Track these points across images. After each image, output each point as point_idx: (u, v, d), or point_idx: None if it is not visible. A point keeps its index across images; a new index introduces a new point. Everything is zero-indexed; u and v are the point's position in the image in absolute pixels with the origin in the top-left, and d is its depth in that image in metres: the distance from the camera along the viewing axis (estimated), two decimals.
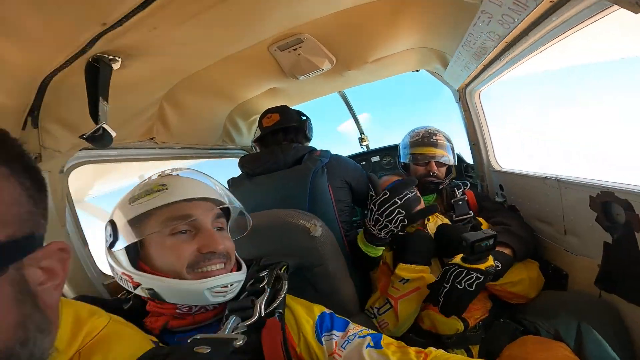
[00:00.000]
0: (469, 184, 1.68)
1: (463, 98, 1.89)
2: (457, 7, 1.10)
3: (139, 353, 0.56)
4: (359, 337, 0.76)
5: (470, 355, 1.23)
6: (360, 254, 1.32)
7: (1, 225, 0.34)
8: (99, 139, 0.86)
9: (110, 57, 0.88)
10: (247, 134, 2.12)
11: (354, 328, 0.80)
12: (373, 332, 0.79)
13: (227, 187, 1.38)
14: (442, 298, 1.10)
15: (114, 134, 0.88)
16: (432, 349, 0.73)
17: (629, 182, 0.94)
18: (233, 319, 0.70)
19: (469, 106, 1.90)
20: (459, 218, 1.49)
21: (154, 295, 0.73)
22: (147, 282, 0.72)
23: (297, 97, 1.96)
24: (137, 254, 0.75)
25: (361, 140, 2.77)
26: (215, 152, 1.94)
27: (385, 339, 0.76)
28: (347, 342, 0.75)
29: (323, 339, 0.76)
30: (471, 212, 1.51)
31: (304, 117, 1.61)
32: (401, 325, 1.23)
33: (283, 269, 0.91)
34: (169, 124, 1.44)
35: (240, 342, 0.62)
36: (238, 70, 1.43)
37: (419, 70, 1.91)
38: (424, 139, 1.65)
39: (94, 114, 0.85)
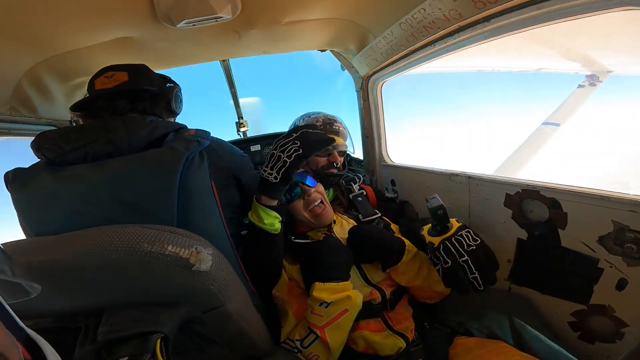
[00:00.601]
0: (362, 178, 1.54)
1: (365, 87, 1.77)
2: None
3: None
4: None
5: None
6: (256, 254, 1.06)
7: None
8: None
9: None
10: (64, 102, 1.30)
11: None
12: None
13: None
14: (456, 279, 0.96)
15: None
16: None
17: (554, 181, 0.98)
18: None
19: (369, 96, 1.79)
20: (368, 219, 1.32)
21: None
22: None
23: (166, 58, 1.32)
24: None
25: (239, 125, 2.30)
26: None
27: None
28: None
29: None
30: (376, 210, 1.38)
31: (171, 84, 1.08)
32: (334, 353, 1.01)
33: (157, 345, 0.60)
34: None
35: None
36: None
37: (324, 50, 1.64)
38: (326, 127, 1.43)
39: None
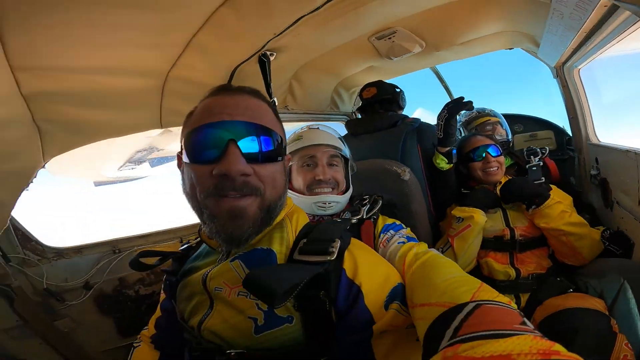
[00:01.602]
0: (544, 152, 1.84)
1: (561, 74, 1.92)
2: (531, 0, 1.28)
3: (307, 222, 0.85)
4: (400, 237, 0.98)
5: (518, 301, 1.44)
6: (438, 184, 1.67)
7: (282, 133, 0.75)
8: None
9: (270, 53, 1.45)
10: (349, 102, 2.59)
11: (404, 232, 1.03)
12: (415, 238, 1.00)
13: None
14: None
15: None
16: (430, 253, 0.85)
17: None
18: (348, 214, 1.11)
19: (568, 82, 1.92)
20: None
21: None
22: (290, 195, 1.05)
23: (391, 72, 2.31)
24: (289, 178, 1.09)
25: None
26: (324, 117, 2.48)
27: (415, 243, 0.94)
28: (391, 238, 0.99)
29: (381, 235, 1.04)
30: (543, 178, 1.64)
31: (398, 90, 1.92)
32: (461, 263, 1.43)
33: (379, 197, 1.21)
34: (295, 95, 2.02)
35: (354, 220, 1.04)
36: (345, 55, 1.89)
37: (512, 49, 2.00)
38: (480, 112, 1.97)
39: (268, 91, 1.44)
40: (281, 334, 0.67)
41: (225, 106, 0.69)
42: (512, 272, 1.45)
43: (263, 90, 1.43)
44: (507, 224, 1.53)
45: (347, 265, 0.70)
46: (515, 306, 0.55)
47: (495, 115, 1.98)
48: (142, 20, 0.93)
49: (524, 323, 0.46)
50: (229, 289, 0.72)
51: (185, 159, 0.69)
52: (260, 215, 0.69)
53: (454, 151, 1.60)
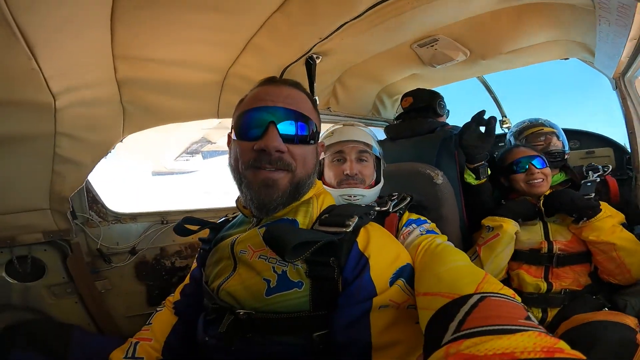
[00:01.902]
0: (605, 170, 1.74)
1: (620, 85, 1.80)
2: (577, 9, 1.27)
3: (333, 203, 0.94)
4: (421, 230, 1.00)
5: (544, 315, 1.38)
6: (469, 199, 1.64)
7: (318, 122, 0.88)
8: None
9: (316, 56, 1.60)
10: (391, 109, 2.66)
11: (427, 226, 1.03)
12: (436, 231, 1.01)
13: None
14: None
15: None
16: (437, 240, 0.89)
17: None
18: (374, 204, 1.16)
19: (627, 94, 1.80)
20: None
21: None
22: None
23: (436, 81, 2.33)
24: (321, 172, 1.28)
25: (502, 122, 2.83)
26: (366, 122, 2.57)
27: (439, 236, 0.95)
28: (412, 231, 1.01)
29: (404, 228, 1.06)
30: (593, 194, 1.52)
31: (436, 95, 1.94)
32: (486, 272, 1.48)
33: (408, 196, 1.23)
34: (338, 98, 2.15)
35: (377, 208, 1.07)
36: (387, 62, 1.98)
37: (567, 59, 1.93)
38: (532, 122, 1.89)
39: (311, 91, 1.59)
40: (289, 297, 0.74)
41: (269, 94, 0.83)
42: (544, 286, 1.41)
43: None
44: (547, 237, 1.47)
45: (361, 239, 0.76)
46: (519, 299, 0.56)
47: (550, 125, 1.88)
48: (210, 21, 1.11)
49: (528, 318, 0.47)
50: (252, 251, 0.82)
51: (233, 136, 0.84)
52: (289, 188, 0.80)
53: (485, 165, 1.57)
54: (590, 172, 1.72)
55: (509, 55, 1.86)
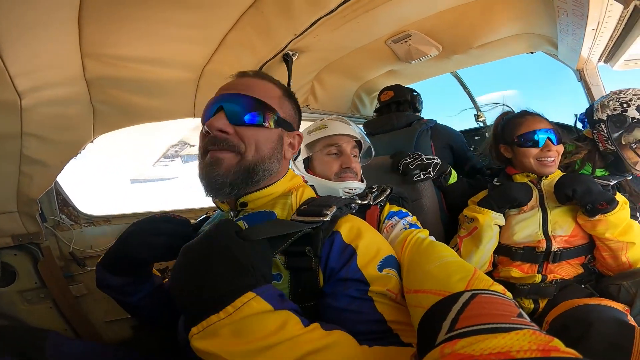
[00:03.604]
0: None
1: (584, 76, 1.90)
2: (539, 0, 1.33)
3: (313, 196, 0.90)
4: (404, 223, 0.99)
5: (537, 306, 1.28)
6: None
7: (288, 117, 0.87)
8: None
9: (292, 53, 1.61)
10: (369, 106, 2.70)
11: (409, 219, 1.03)
12: (419, 225, 1.00)
13: None
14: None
15: None
16: (426, 236, 0.88)
17: None
18: (356, 197, 1.14)
19: (591, 85, 1.90)
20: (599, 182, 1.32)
21: (314, 189, 1.06)
22: (311, 180, 1.21)
23: (411, 77, 2.39)
24: (308, 164, 1.29)
25: (477, 117, 2.93)
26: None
27: (422, 231, 0.94)
28: (395, 224, 1.00)
29: (386, 221, 1.05)
30: (612, 181, 1.34)
31: (415, 93, 2.03)
32: None
33: (387, 187, 1.22)
34: (317, 96, 2.17)
35: (359, 202, 1.05)
36: (364, 58, 2.01)
37: (534, 52, 2.01)
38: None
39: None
40: None
41: (231, 85, 0.84)
42: (538, 278, 1.28)
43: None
44: (545, 231, 1.29)
45: (344, 230, 0.75)
46: (510, 295, 0.56)
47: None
48: (183, 17, 1.10)
49: (520, 315, 0.48)
50: None
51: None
52: (237, 169, 0.77)
53: (428, 177, 1.54)
54: None
55: (479, 50, 1.93)
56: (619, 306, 1.04)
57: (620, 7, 1.11)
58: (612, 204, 1.17)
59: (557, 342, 0.40)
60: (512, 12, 1.59)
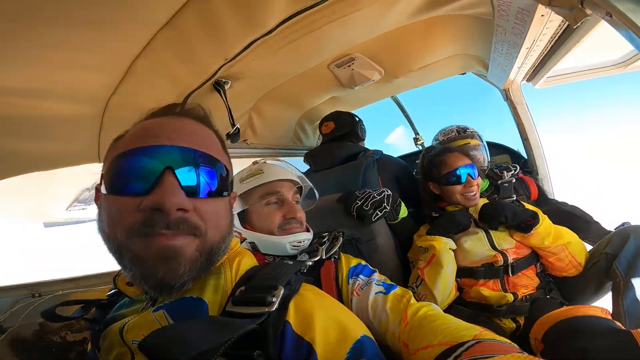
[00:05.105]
0: (517, 168, 1.77)
1: (510, 96, 2.01)
2: (478, 20, 1.34)
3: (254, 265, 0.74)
4: (376, 284, 0.88)
5: (517, 324, 1.32)
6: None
7: (229, 166, 0.65)
8: (234, 137, 1.37)
9: (224, 81, 1.37)
10: (313, 137, 2.55)
11: (377, 277, 0.93)
12: (392, 283, 0.90)
13: None
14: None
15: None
16: (430, 305, 0.78)
17: None
18: (305, 256, 1.01)
19: (517, 104, 2.01)
20: (503, 200, 1.58)
21: (254, 247, 1.02)
22: (251, 237, 1.03)
23: (353, 103, 2.32)
24: (244, 218, 1.08)
25: (416, 140, 2.97)
26: (287, 152, 2.40)
27: (398, 290, 0.85)
28: (366, 285, 0.89)
29: (351, 281, 0.93)
30: (514, 195, 1.61)
31: (357, 119, 1.93)
32: (437, 295, 1.31)
33: (339, 234, 1.12)
34: (255, 129, 1.93)
35: (310, 263, 0.92)
36: (306, 85, 1.86)
37: (464, 74, 2.10)
38: (460, 133, 1.92)
39: (231, 121, 1.33)
40: None
41: (164, 129, 0.58)
42: (510, 296, 1.33)
43: (224, 120, 1.33)
44: (494, 248, 1.39)
45: (294, 318, 0.57)
46: (517, 346, 0.55)
47: (477, 137, 1.92)
48: (79, 39, 0.82)
49: (521, 352, 0.49)
50: None
51: (104, 190, 0.57)
52: (199, 258, 0.57)
53: (381, 213, 1.44)
54: (504, 172, 1.76)
55: (419, 72, 1.93)
56: (600, 311, 1.09)
57: (556, 24, 1.14)
58: (536, 217, 1.33)
59: None
60: (451, 33, 1.59)
